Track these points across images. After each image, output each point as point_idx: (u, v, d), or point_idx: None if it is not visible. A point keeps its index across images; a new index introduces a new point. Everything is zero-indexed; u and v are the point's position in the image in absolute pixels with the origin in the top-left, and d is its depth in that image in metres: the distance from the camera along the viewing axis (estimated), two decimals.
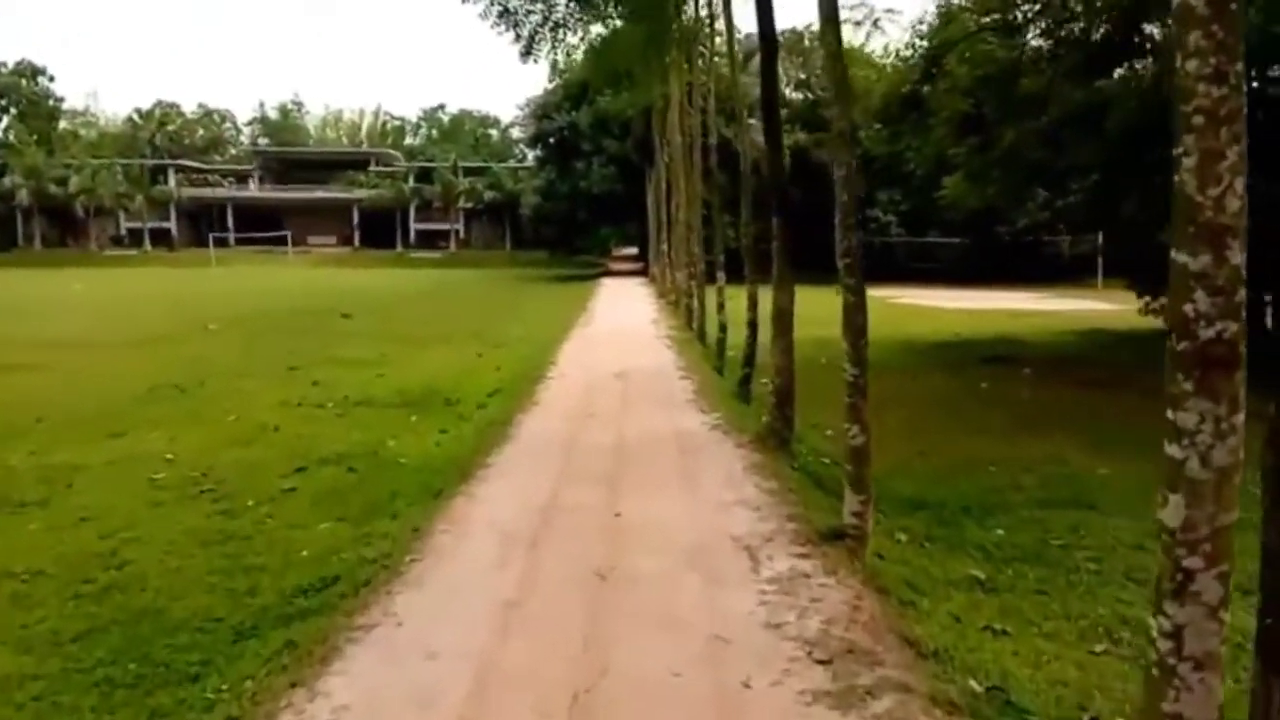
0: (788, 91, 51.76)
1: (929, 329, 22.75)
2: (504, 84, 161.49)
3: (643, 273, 51.08)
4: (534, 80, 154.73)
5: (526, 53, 9.80)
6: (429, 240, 75.77)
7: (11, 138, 73.68)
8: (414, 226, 76.48)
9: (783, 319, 7.67)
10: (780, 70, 50.67)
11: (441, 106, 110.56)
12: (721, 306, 13.31)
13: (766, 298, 11.43)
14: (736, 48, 21.75)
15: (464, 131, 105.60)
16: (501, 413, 10.16)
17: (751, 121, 31.34)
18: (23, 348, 16.97)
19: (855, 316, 5.23)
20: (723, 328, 13.27)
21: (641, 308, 26.53)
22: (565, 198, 51.36)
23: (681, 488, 6.26)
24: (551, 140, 52.68)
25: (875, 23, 15.43)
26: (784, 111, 47.66)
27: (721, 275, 13.51)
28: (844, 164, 5.07)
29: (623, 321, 21.53)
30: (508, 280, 48.31)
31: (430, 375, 13.78)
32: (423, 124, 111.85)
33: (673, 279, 25.92)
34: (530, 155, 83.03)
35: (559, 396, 10.73)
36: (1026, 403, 12.73)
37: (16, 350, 16.53)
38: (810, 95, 52.79)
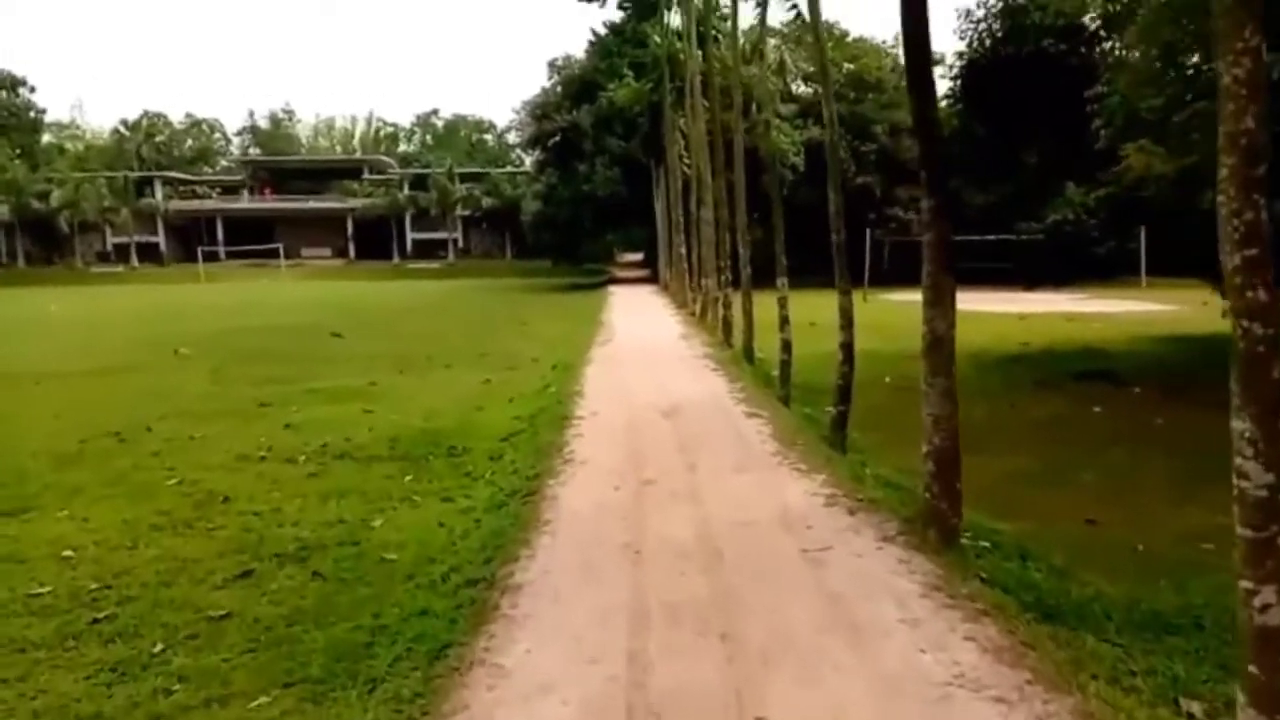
0: (797, 86, 49.53)
1: (988, 338, 20.32)
2: (498, 88, 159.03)
3: (652, 280, 48.66)
4: (529, 83, 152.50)
5: None
6: (427, 250, 73.43)
7: None
8: (410, 236, 74.17)
9: (941, 349, 5.23)
10: (789, 62, 48.44)
11: (435, 112, 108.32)
12: (785, 321, 10.84)
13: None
14: (740, 39, 19.47)
15: (459, 137, 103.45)
16: (524, 470, 7.71)
17: (765, 117, 28.89)
18: None
19: None
20: (786, 348, 10.80)
21: (663, 320, 24.04)
22: (568, 202, 48.86)
23: (841, 643, 3.77)
24: (552, 142, 50.25)
25: None
26: (794, 106, 45.46)
27: (783, 281, 11.04)
28: (1251, 81, 2.58)
29: (647, 337, 19.03)
30: (510, 291, 45.92)
31: (429, 410, 11.38)
32: (416, 130, 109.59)
33: (698, 287, 23.48)
34: (528, 160, 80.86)
35: (597, 446, 8.25)
36: (1166, 435, 10.33)
37: None
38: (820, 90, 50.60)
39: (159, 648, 4.68)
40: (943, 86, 50.89)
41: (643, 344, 17.57)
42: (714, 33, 21.17)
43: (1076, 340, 18.83)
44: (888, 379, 13.37)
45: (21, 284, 57.26)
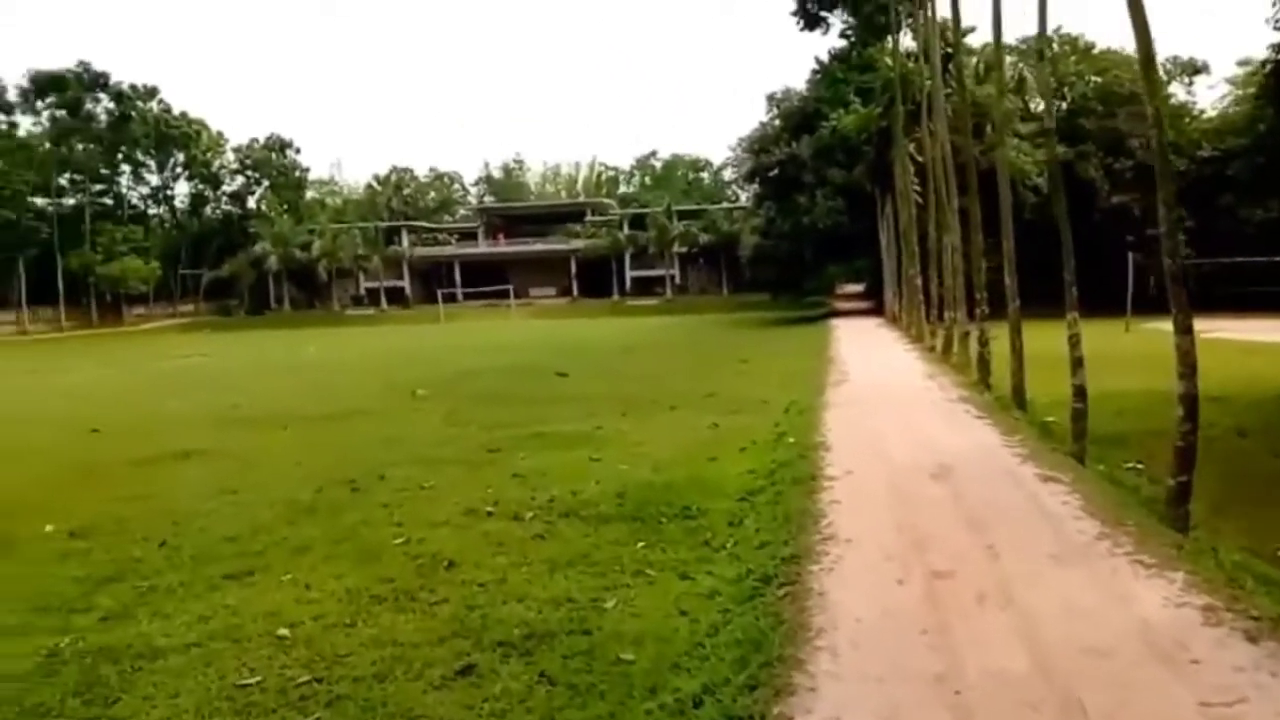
0: (1036, 104, 45.87)
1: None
2: (714, 127, 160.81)
3: (875, 312, 46.32)
4: (745, 120, 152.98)
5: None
6: (644, 287, 74.44)
7: (263, 208, 79.92)
8: (629, 274, 75.51)
9: None
10: (1028, 79, 44.82)
11: (653, 153, 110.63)
12: (1080, 362, 9.03)
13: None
14: (974, 58, 17.31)
15: (676, 176, 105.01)
16: (775, 546, 6.56)
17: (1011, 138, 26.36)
18: (213, 427, 15.38)
19: None
20: (1081, 394, 8.97)
21: (899, 356, 22.17)
22: (787, 235, 47.72)
23: None
24: (770, 174, 49.40)
25: None
26: (1033, 125, 41.98)
27: (1074, 315, 9.25)
28: None
29: (887, 377, 17.36)
30: (728, 326, 45.12)
31: (658, 460, 10.50)
32: (636, 172, 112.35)
33: (938, 320, 21.51)
34: (743, 196, 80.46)
35: (860, 517, 6.94)
36: None
37: (204, 430, 14.91)
38: (1065, 104, 46.48)
39: None
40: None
41: (883, 384, 15.97)
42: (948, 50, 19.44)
43: None
44: (1235, 430, 11.23)
45: (285, 326, 63.41)
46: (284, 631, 5.63)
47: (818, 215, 44.63)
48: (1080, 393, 8.83)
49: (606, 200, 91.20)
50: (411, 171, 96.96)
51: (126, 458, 12.46)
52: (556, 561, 6.83)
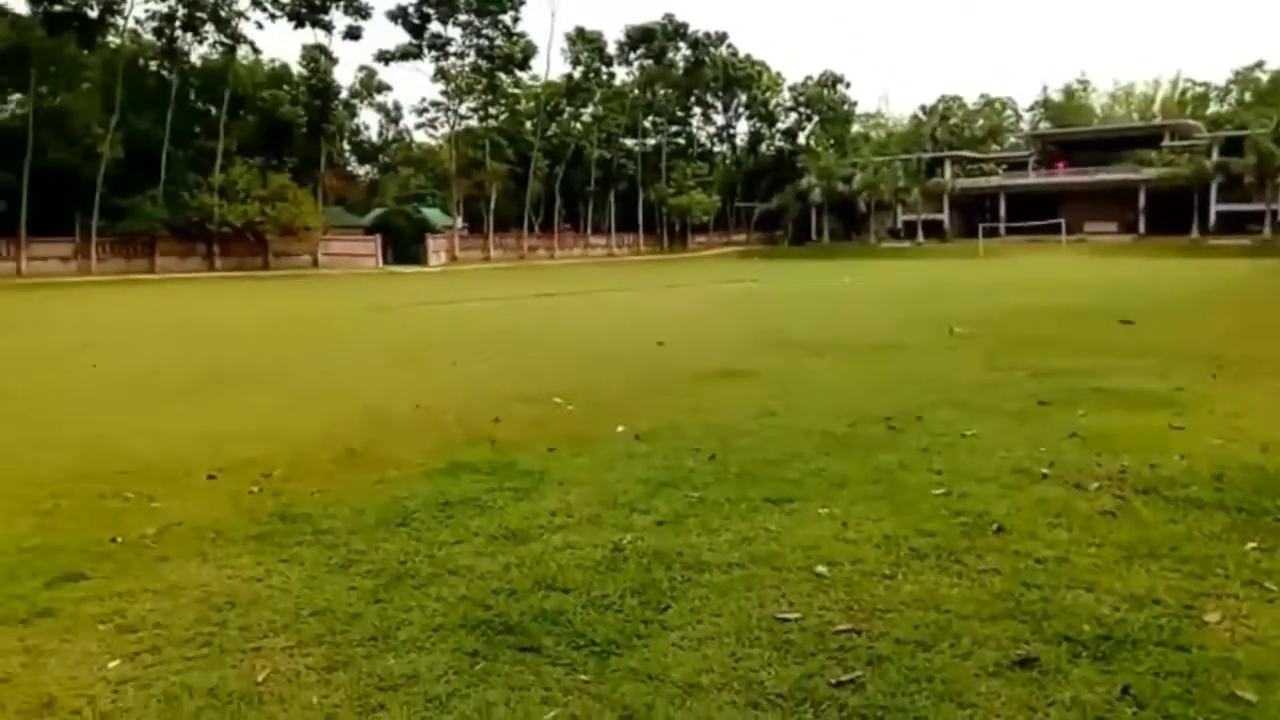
0: None
1: None
2: None
3: None
4: None
5: None
6: (1234, 224, 62.44)
7: (811, 143, 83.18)
8: (1215, 208, 63.90)
9: None
10: None
11: (1259, 64, 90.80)
12: None
13: None
14: None
15: None
16: None
17: None
18: (757, 348, 16.33)
19: None
20: None
21: None
22: None
23: None
24: None
25: None
26: None
27: None
28: None
29: None
30: None
31: (1267, 438, 8.37)
32: (1233, 87, 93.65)
33: None
34: None
35: None
36: None
37: (750, 351, 15.89)
38: None
39: None
40: None
41: None
42: None
43: None
44: None
45: (823, 257, 66.11)
46: (822, 569, 5.43)
47: None
48: None
49: (1191, 122, 77.59)
50: (960, 100, 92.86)
51: (685, 370, 13.63)
52: (1134, 549, 5.66)
